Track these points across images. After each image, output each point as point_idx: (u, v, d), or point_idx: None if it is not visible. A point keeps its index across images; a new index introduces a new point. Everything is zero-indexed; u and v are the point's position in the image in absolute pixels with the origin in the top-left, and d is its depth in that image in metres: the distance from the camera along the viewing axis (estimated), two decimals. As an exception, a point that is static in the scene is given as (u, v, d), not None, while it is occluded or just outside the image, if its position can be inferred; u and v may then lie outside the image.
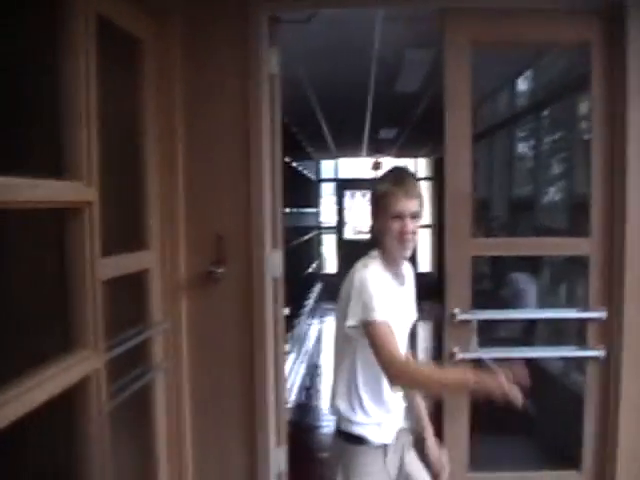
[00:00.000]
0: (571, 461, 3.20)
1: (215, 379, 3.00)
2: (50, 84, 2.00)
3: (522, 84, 6.51)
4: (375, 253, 2.26)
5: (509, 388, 1.95)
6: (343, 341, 2.23)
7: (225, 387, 3.00)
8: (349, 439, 2.23)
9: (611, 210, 3.03)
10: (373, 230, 2.29)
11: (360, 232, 15.73)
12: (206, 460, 3.02)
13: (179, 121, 2.88)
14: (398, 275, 2.30)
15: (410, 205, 2.19)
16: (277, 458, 3.09)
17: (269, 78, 2.95)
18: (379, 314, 2.07)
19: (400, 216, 2.18)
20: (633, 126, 2.93)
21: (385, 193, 2.21)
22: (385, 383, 2.20)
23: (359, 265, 2.23)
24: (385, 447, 2.26)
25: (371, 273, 2.17)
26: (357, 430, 2.22)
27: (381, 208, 2.22)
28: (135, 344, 2.68)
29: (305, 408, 5.85)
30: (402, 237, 2.19)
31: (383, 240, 2.23)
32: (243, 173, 2.92)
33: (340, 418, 2.26)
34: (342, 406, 2.23)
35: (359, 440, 2.22)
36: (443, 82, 3.03)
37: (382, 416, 2.26)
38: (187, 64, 2.87)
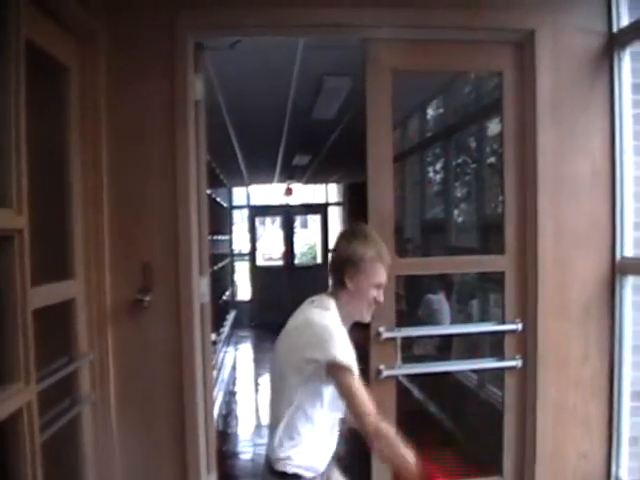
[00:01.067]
0: (493, 468, 3.33)
1: (144, 410, 2.95)
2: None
3: (432, 110, 6.77)
4: (330, 303, 2.22)
5: None
6: (287, 376, 2.16)
7: (155, 417, 2.96)
8: (284, 477, 2.18)
9: (524, 226, 3.20)
10: (341, 285, 2.24)
11: (271, 259, 15.79)
12: (137, 491, 2.95)
13: (105, 148, 2.85)
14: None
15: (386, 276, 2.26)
16: (208, 485, 3.05)
17: (194, 104, 2.97)
18: (354, 365, 2.08)
19: (380, 286, 2.24)
20: (542, 146, 3.11)
21: (373, 260, 2.21)
22: (329, 426, 2.22)
23: (314, 310, 2.20)
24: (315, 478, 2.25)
25: (335, 324, 2.14)
26: (293, 469, 2.18)
27: (364, 273, 2.21)
28: (62, 376, 2.61)
29: (224, 435, 5.78)
30: (375, 305, 2.25)
31: (353, 301, 2.24)
32: (170, 198, 2.92)
33: (276, 458, 2.19)
34: (281, 447, 2.17)
35: (294, 477, 2.19)
36: (365, 107, 3.12)
37: (320, 460, 2.25)
38: (113, 90, 2.86)
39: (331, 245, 13.00)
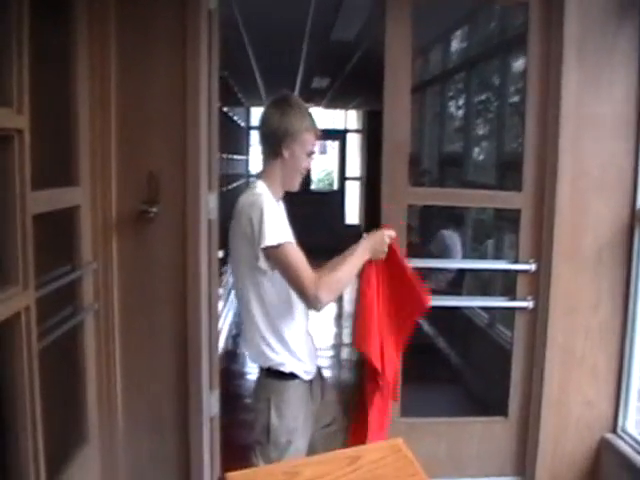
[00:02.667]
0: (498, 408, 3.33)
1: (147, 321, 2.94)
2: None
3: (456, 42, 6.54)
4: (260, 184, 2.21)
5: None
6: (246, 274, 2.16)
7: (157, 330, 2.95)
8: (280, 376, 2.21)
9: (543, 165, 3.10)
10: (275, 156, 2.23)
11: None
12: (137, 403, 2.97)
13: (112, 53, 2.75)
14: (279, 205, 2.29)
15: None
16: (209, 402, 3.07)
17: (207, 13, 2.84)
18: (282, 236, 2.07)
19: (311, 154, 2.27)
20: (567, 82, 2.98)
21: (308, 130, 2.22)
22: (298, 313, 2.23)
23: (248, 197, 2.17)
24: (311, 382, 2.29)
25: (266, 201, 2.12)
26: (287, 367, 2.20)
27: (300, 143, 2.22)
28: (64, 284, 2.59)
29: (233, 355, 5.85)
30: (304, 173, 2.29)
31: (286, 170, 2.24)
32: (179, 112, 2.82)
33: (264, 359, 2.21)
34: (264, 348, 2.19)
35: (290, 376, 2.21)
36: (384, 32, 2.99)
37: (303, 349, 2.26)
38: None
39: (349, 172, 12.93)
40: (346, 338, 6.56)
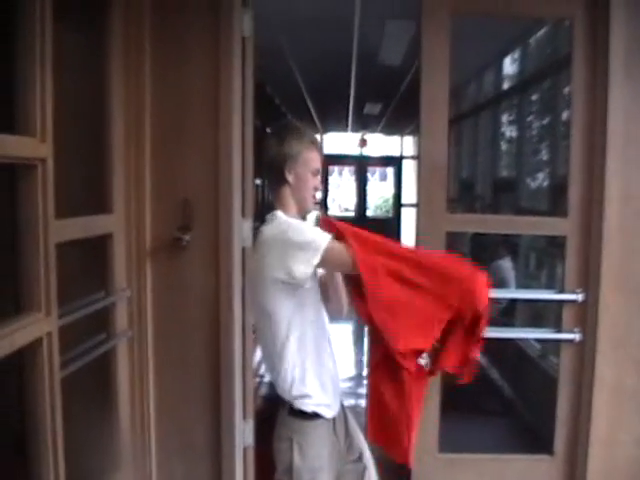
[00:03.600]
0: (546, 444, 3.17)
1: (180, 348, 2.93)
2: (4, 38, 1.91)
3: (508, 64, 6.45)
4: (279, 214, 2.18)
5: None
6: (269, 306, 2.11)
7: (190, 357, 2.93)
8: (302, 416, 2.15)
9: (589, 190, 2.97)
10: (281, 184, 2.20)
11: (347, 209, 15.75)
12: (169, 431, 2.96)
13: (147, 82, 2.79)
14: None
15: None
16: (243, 431, 3.03)
17: (241, 41, 2.85)
18: (322, 237, 2.03)
19: (317, 173, 2.23)
20: (614, 104, 2.86)
21: (308, 149, 2.20)
22: (326, 344, 2.19)
23: (274, 227, 2.13)
24: (334, 419, 2.23)
25: (295, 221, 2.13)
26: (312, 407, 2.15)
27: (303, 164, 2.19)
28: (98, 311, 2.61)
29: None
30: (315, 192, 2.24)
31: (297, 194, 2.21)
32: (212, 138, 2.82)
33: (291, 397, 2.16)
34: (292, 385, 2.14)
35: (314, 416, 2.16)
36: (420, 53, 2.94)
37: (328, 383, 2.20)
38: (156, 25, 2.77)
39: (405, 199, 12.85)
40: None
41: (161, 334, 2.92)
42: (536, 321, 5.16)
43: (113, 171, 2.70)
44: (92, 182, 2.67)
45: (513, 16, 3.27)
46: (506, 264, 5.26)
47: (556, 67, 4.89)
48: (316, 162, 2.22)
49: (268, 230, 2.13)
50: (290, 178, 2.19)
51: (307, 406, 2.15)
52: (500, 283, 5.15)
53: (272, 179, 2.23)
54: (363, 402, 5.10)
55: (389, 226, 12.49)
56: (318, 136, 13.15)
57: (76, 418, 2.23)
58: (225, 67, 2.79)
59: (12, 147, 1.86)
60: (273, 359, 2.17)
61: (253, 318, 2.29)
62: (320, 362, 2.18)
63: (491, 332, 3.57)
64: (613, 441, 2.99)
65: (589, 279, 2.99)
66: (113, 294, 2.75)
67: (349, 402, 2.38)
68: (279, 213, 2.18)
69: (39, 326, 1.98)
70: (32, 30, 1.90)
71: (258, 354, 3.05)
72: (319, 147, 2.26)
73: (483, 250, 5.99)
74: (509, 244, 5.49)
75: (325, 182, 13.00)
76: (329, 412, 2.19)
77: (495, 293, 4.78)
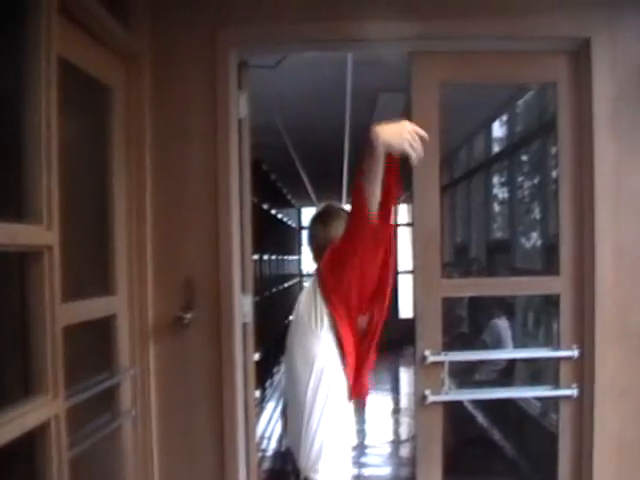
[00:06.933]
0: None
1: (184, 425, 2.95)
2: (11, 125, 2.01)
3: (497, 128, 6.63)
4: None
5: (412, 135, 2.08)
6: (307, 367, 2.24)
7: (194, 434, 2.95)
8: None
9: (581, 247, 3.04)
10: None
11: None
12: (176, 509, 2.94)
13: (147, 164, 2.90)
14: None
15: None
16: (248, 506, 3.02)
17: (238, 122, 2.99)
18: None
19: None
20: (601, 158, 2.95)
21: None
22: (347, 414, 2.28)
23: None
24: None
25: None
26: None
27: None
28: (102, 390, 2.64)
29: (286, 456, 5.73)
30: None
31: None
32: (211, 217, 2.92)
33: (306, 467, 2.21)
34: (317, 455, 2.20)
35: None
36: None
37: (349, 448, 2.30)
38: (155, 109, 2.90)
39: (400, 267, 12.89)
40: (403, 434, 6.38)
41: (165, 411, 2.94)
42: (535, 379, 5.17)
43: (115, 253, 2.78)
44: (95, 265, 2.73)
45: (499, 83, 3.42)
46: (502, 323, 5.31)
47: (544, 128, 5.05)
48: None
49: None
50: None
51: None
52: (497, 342, 5.18)
53: (317, 256, 2.47)
54: (367, 471, 5.07)
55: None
56: (313, 208, 13.34)
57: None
58: (223, 150, 2.91)
59: (20, 235, 1.94)
60: (298, 425, 2.24)
61: (288, 381, 2.40)
62: (346, 422, 2.29)
63: (490, 393, 3.63)
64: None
65: (584, 335, 3.02)
66: (117, 374, 2.79)
67: (353, 471, 2.39)
68: None
69: (47, 409, 2.01)
70: (38, 119, 1.99)
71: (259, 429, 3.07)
72: None
73: (480, 312, 6.05)
74: (505, 304, 5.55)
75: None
76: None
77: (492, 354, 4.86)
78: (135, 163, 2.87)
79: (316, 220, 2.55)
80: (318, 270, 2.35)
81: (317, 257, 2.46)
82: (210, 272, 2.92)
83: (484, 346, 5.29)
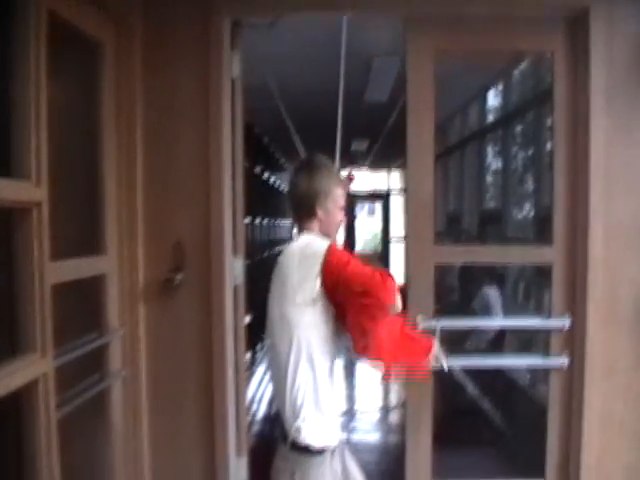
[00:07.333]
0: (537, 471, 3.16)
1: (174, 387, 2.94)
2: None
3: (492, 97, 6.58)
4: (314, 233, 2.32)
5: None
6: (297, 323, 2.16)
7: (184, 395, 2.95)
8: (307, 452, 2.17)
9: (574, 218, 3.03)
10: (310, 217, 2.33)
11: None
12: (164, 469, 2.95)
13: (138, 123, 2.84)
14: None
15: None
16: (237, 468, 3.03)
17: (230, 82, 2.93)
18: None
19: (343, 207, 2.40)
20: (595, 132, 2.93)
21: (337, 187, 2.35)
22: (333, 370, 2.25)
23: (300, 242, 2.28)
24: (333, 451, 2.24)
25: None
26: (316, 441, 2.17)
27: (332, 200, 2.34)
28: (90, 351, 2.63)
29: (275, 420, 5.77)
30: (339, 226, 2.42)
31: (324, 227, 2.34)
32: (203, 178, 2.88)
33: (295, 429, 2.18)
34: (298, 415, 2.17)
35: (317, 452, 2.18)
36: (406, 90, 3.02)
37: (335, 422, 2.26)
38: (147, 67, 2.85)
39: (392, 233, 12.92)
40: (393, 400, 6.44)
41: (154, 372, 2.93)
42: (525, 351, 5.20)
43: (106, 213, 2.74)
44: (85, 224, 2.70)
45: (496, 51, 3.37)
46: (493, 292, 5.31)
47: (539, 99, 5.00)
48: (342, 198, 2.39)
49: (296, 244, 2.27)
50: (320, 212, 2.31)
51: (311, 440, 2.16)
52: (486, 310, 5.19)
53: (301, 212, 2.35)
54: (356, 436, 5.12)
55: (378, 260, 12.54)
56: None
57: (71, 457, 2.23)
58: (215, 109, 2.86)
59: (7, 191, 1.91)
60: (287, 380, 2.19)
61: (270, 340, 2.31)
62: (328, 388, 2.22)
63: (482, 361, 3.65)
64: (604, 468, 2.99)
65: (576, 305, 3.03)
66: (107, 334, 2.77)
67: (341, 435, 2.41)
68: (315, 233, 2.32)
69: (35, 367, 2.00)
70: (27, 75, 1.96)
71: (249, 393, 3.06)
72: (346, 183, 2.45)
73: (471, 282, 6.06)
74: (496, 275, 5.56)
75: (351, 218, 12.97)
76: (332, 441, 2.22)
77: (484, 321, 4.88)
78: (126, 123, 2.81)
79: (300, 170, 2.39)
80: (324, 261, 2.13)
81: (300, 217, 2.33)
82: (201, 234, 2.89)
83: (474, 314, 5.30)
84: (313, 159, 2.42)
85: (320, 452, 2.18)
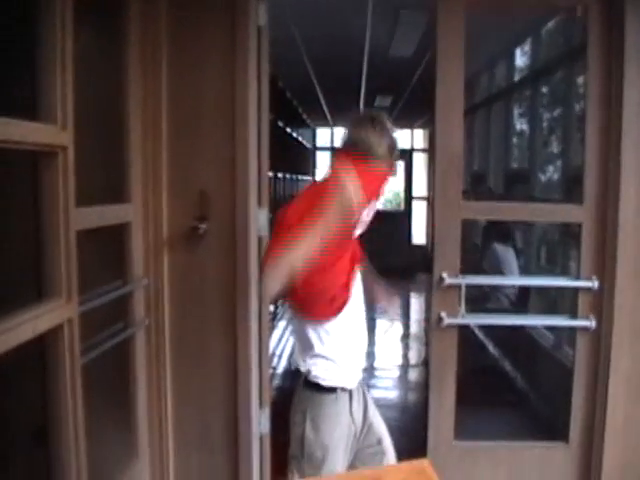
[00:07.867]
0: (559, 433, 3.16)
1: (197, 336, 2.94)
2: (26, 26, 1.93)
3: (519, 57, 6.42)
4: None
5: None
6: None
7: (207, 345, 2.95)
8: (318, 389, 2.19)
9: (605, 178, 2.95)
10: None
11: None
12: (186, 419, 2.98)
13: (164, 76, 2.80)
14: None
15: None
16: (259, 420, 3.05)
17: (257, 30, 2.87)
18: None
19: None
20: (630, 90, 2.84)
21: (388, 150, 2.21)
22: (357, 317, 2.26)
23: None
24: (351, 394, 2.24)
25: None
26: (326, 380, 2.18)
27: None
28: (115, 299, 2.63)
29: (295, 375, 5.82)
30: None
31: None
32: (228, 128, 2.84)
33: (305, 369, 2.21)
34: (307, 353, 2.21)
35: (329, 390, 2.19)
36: (436, 46, 2.94)
37: (348, 355, 2.24)
38: (172, 18, 2.79)
39: (416, 192, 12.79)
40: (412, 359, 6.45)
41: (178, 322, 2.93)
42: (550, 311, 5.14)
43: (131, 162, 2.73)
44: (110, 172, 2.68)
45: (529, 7, 3.26)
46: (502, 249, 5.17)
47: (569, 57, 4.86)
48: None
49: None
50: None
51: (322, 379, 2.18)
52: (497, 265, 5.08)
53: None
54: (375, 393, 5.14)
55: (399, 219, 12.46)
56: (329, 129, 13.16)
57: (94, 406, 2.25)
58: (241, 58, 2.80)
59: (34, 134, 1.88)
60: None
61: None
62: (347, 328, 2.21)
63: (507, 319, 3.61)
64: (630, 432, 2.97)
65: (605, 266, 2.97)
66: (131, 282, 2.78)
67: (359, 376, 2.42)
68: None
69: (60, 312, 2.00)
70: (53, 19, 1.91)
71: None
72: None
73: (492, 239, 5.97)
74: (510, 232, 5.42)
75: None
76: (345, 384, 2.21)
77: (512, 280, 4.79)
78: (152, 73, 2.77)
79: (368, 123, 2.19)
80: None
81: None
82: (226, 184, 2.86)
83: (484, 272, 5.21)
84: (379, 114, 2.25)
85: (331, 390, 2.18)
